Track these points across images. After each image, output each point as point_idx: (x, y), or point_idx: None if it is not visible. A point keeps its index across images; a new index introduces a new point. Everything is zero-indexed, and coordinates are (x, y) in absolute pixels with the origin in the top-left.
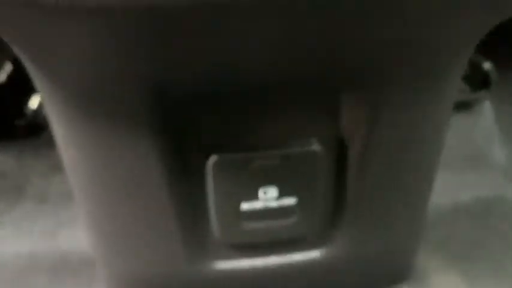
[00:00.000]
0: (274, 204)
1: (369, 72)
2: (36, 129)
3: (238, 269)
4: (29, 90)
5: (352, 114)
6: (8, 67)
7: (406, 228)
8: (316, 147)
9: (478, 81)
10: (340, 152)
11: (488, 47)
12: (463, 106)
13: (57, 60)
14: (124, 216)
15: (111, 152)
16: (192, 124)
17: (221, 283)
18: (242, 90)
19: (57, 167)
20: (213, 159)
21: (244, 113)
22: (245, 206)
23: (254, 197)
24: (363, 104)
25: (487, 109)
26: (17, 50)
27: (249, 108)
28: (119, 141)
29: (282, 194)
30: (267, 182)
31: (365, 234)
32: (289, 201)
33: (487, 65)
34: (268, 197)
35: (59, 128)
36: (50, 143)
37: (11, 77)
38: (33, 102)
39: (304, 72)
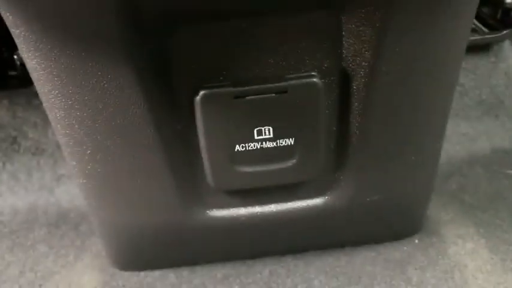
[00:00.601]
0: (270, 145)
1: None
2: (28, 79)
3: (235, 217)
4: None
5: (355, 40)
6: None
7: (416, 176)
8: (316, 79)
9: (497, 19)
10: (342, 84)
11: None
12: (480, 47)
13: None
14: (111, 161)
15: (89, 83)
16: (176, 54)
17: (218, 232)
18: (230, 12)
19: None
20: (201, 94)
21: (233, 40)
22: (239, 148)
23: (248, 138)
24: (367, 27)
25: (507, 50)
26: None
27: (238, 35)
28: (97, 71)
29: (278, 134)
30: (262, 120)
31: (371, 180)
32: (287, 141)
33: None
34: (264, 137)
35: (34, 63)
36: None
37: None
38: None
39: None
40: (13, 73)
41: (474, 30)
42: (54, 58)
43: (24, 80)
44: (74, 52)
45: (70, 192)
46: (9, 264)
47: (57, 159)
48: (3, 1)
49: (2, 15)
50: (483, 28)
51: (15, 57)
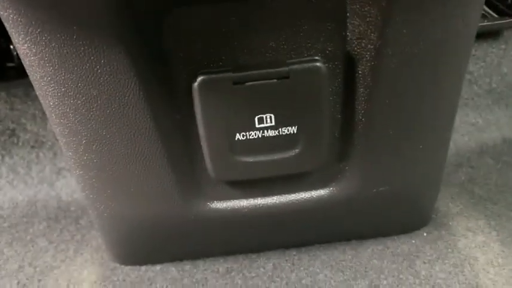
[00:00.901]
0: (272, 134)
1: None
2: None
3: (237, 209)
4: None
5: (360, 21)
6: None
7: (424, 166)
8: (319, 63)
9: (508, 4)
10: (347, 69)
11: None
12: (490, 34)
13: None
14: (108, 151)
15: (82, 68)
16: (171, 38)
17: (219, 225)
18: None
19: None
20: (199, 80)
21: (231, 23)
22: (239, 136)
23: (249, 126)
24: (373, 8)
25: None
26: None
27: (237, 18)
28: (89, 55)
29: (281, 122)
30: (264, 108)
31: (377, 170)
32: (290, 130)
33: None
34: (265, 125)
35: (25, 48)
36: None
37: None
38: None
39: None
40: (11, 64)
41: (484, 16)
42: (45, 42)
43: (22, 71)
44: (65, 35)
45: (70, 185)
46: (8, 259)
47: (56, 152)
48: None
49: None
50: (493, 14)
51: (11, 47)
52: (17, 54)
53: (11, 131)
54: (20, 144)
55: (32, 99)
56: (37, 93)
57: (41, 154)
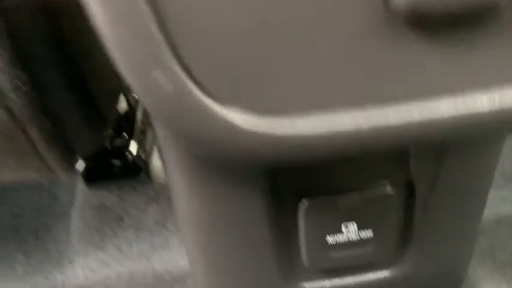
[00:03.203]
0: (354, 236)
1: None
2: (134, 169)
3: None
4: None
5: (420, 163)
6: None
7: (462, 247)
8: (389, 190)
9: None
10: (409, 192)
11: None
12: None
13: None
14: (227, 245)
15: (224, 199)
16: (287, 176)
17: None
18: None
19: (151, 200)
20: (304, 202)
21: (330, 166)
22: (330, 238)
23: (338, 231)
24: (429, 157)
25: None
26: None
27: (334, 163)
28: (231, 193)
29: (361, 228)
30: (349, 218)
31: (427, 255)
32: (367, 234)
33: None
34: (350, 230)
35: (180, 179)
36: (146, 181)
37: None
38: (133, 147)
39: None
40: (118, 163)
41: None
42: (202, 185)
43: (131, 170)
44: (214, 180)
45: (165, 259)
46: None
47: (154, 233)
48: (163, 117)
49: (155, 124)
50: None
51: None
52: (132, 157)
53: (119, 217)
54: (125, 226)
55: (136, 192)
56: (176, 209)
57: (141, 235)
